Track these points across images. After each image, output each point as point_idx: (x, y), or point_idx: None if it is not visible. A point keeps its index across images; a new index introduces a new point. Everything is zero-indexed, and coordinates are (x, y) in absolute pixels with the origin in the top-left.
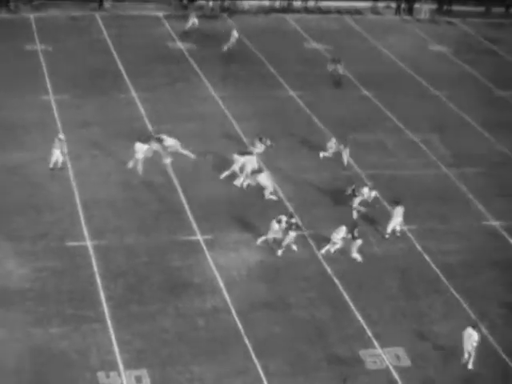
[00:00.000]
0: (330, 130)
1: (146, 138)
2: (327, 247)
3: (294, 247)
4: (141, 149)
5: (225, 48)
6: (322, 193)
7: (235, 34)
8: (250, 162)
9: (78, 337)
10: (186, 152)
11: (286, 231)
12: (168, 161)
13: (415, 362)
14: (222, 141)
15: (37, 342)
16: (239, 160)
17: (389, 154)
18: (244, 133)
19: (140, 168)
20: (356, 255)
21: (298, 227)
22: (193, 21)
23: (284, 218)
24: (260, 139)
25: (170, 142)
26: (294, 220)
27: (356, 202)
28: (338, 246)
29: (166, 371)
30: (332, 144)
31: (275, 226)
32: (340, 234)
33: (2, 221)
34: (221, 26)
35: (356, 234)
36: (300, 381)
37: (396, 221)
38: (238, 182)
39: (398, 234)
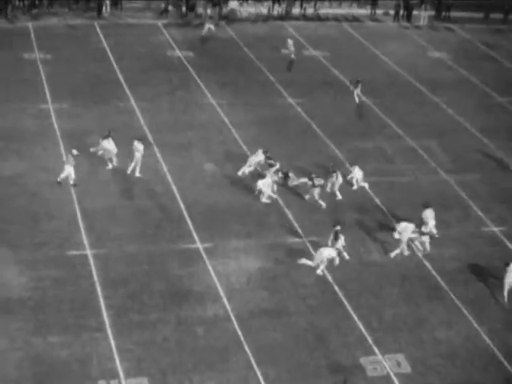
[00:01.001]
0: (328, 137)
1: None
2: (243, 169)
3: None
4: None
5: (292, 56)
6: (321, 199)
7: (290, 42)
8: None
9: (79, 345)
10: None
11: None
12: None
13: (416, 369)
14: (221, 149)
15: (37, 350)
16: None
17: (388, 160)
18: (243, 140)
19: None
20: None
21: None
22: (208, 27)
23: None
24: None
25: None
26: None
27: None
28: (251, 169)
29: (167, 380)
30: None
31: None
32: (258, 157)
33: (2, 230)
34: (219, 34)
35: (316, 182)
36: None
37: (431, 223)
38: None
39: (437, 236)
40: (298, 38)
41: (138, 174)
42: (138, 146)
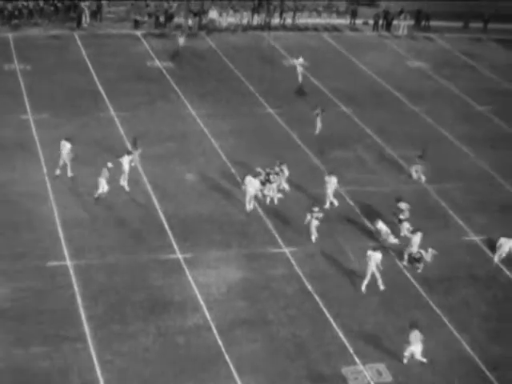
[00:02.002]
0: (307, 147)
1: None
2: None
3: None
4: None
5: (300, 79)
6: (302, 209)
7: (297, 63)
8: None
9: (60, 356)
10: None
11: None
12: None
13: (397, 378)
14: (201, 159)
15: (18, 361)
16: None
17: (368, 170)
18: (223, 151)
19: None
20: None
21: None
22: (182, 40)
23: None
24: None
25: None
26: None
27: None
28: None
29: None
30: None
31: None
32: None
33: None
34: (199, 44)
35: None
36: None
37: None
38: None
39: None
40: (278, 48)
41: (122, 183)
42: (124, 159)
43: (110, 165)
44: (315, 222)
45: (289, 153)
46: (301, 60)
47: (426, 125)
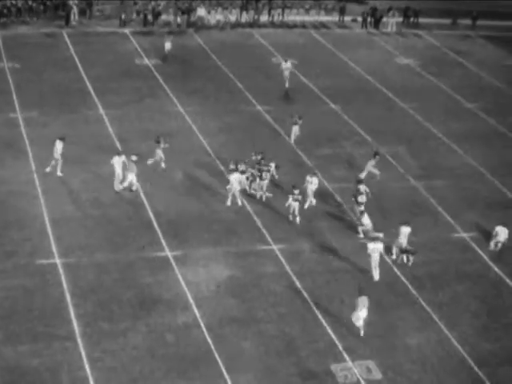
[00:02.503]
0: (296, 144)
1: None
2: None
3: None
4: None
5: (286, 84)
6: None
7: (284, 66)
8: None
9: (49, 354)
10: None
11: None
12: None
13: (386, 375)
14: (190, 156)
15: (7, 360)
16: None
17: (357, 167)
18: (211, 148)
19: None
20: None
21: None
22: (168, 45)
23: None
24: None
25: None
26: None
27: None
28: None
29: None
30: None
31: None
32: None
33: None
34: (187, 42)
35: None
36: None
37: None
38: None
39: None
40: (266, 45)
41: (116, 187)
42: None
43: (134, 158)
44: (295, 204)
45: (278, 150)
46: (288, 64)
47: (415, 121)
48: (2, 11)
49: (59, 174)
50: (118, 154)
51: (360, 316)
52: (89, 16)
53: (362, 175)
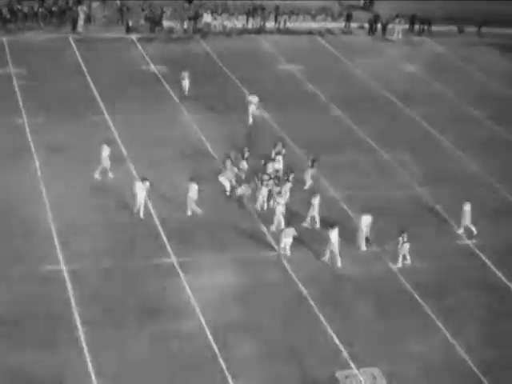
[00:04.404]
0: (299, 149)
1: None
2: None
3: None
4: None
5: (250, 121)
6: (293, 214)
7: (250, 102)
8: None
9: (54, 362)
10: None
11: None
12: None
13: (391, 382)
14: (196, 163)
15: (12, 367)
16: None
17: (362, 174)
18: (218, 155)
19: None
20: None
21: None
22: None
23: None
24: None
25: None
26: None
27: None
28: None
29: None
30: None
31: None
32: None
33: None
34: (194, 48)
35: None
36: None
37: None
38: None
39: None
40: (273, 51)
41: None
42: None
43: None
44: (265, 190)
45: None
46: (256, 99)
47: (420, 128)
48: (9, 17)
49: (97, 176)
50: (142, 180)
51: (287, 242)
52: (94, 21)
53: (307, 186)
